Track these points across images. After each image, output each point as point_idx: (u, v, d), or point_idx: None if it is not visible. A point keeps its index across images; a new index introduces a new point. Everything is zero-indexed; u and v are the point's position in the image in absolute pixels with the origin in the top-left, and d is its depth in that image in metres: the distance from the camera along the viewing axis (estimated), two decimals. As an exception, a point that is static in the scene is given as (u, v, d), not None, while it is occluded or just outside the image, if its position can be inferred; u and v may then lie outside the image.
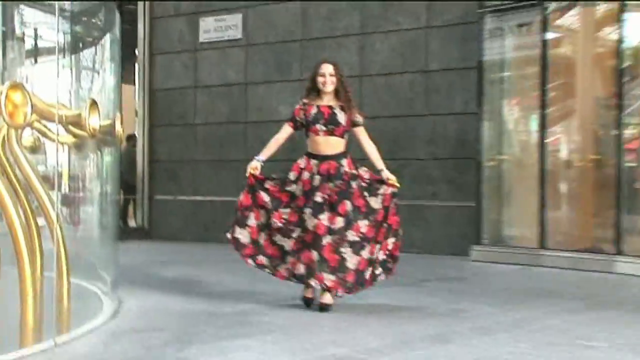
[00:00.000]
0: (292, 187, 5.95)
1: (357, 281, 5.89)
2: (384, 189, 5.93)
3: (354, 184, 5.87)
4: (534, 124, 10.04)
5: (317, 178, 5.85)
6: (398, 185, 5.96)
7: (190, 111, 12.91)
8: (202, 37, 12.78)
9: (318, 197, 5.80)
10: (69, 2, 5.48)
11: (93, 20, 6.58)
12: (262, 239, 6.00)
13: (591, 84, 9.92)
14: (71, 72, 6.09)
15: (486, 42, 10.17)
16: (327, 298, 5.85)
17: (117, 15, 6.31)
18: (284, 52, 12.05)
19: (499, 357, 4.57)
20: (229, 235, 6.03)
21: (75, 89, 6.20)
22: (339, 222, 5.77)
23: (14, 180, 5.09)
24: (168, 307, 6.24)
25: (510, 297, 7.11)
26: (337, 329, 5.31)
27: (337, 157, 5.91)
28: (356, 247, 5.81)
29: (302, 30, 11.92)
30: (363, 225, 5.84)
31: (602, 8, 9.76)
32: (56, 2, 4.76)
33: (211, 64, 12.74)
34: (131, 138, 13.69)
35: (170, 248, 11.81)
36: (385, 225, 5.96)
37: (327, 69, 5.96)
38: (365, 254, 5.86)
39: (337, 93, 5.98)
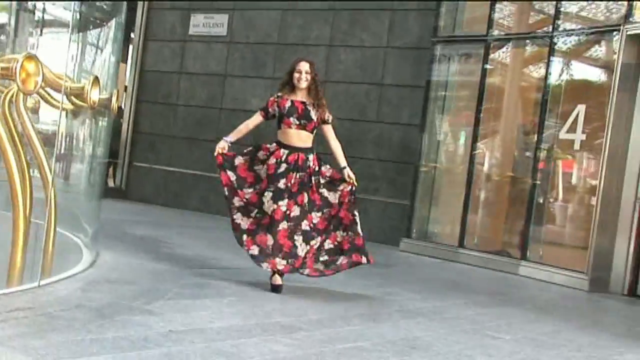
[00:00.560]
0: (259, 167, 5.61)
1: (308, 266, 5.55)
2: (343, 186, 5.65)
3: (314, 179, 5.58)
4: (465, 139, 10.12)
5: (284, 166, 5.52)
6: (356, 183, 5.69)
7: (174, 93, 12.74)
8: (192, 31, 12.62)
9: (281, 184, 5.48)
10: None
11: (103, 6, 6.42)
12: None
13: (514, 112, 10.02)
14: (78, 48, 5.92)
15: (435, 65, 10.21)
16: (279, 279, 5.49)
17: (125, 4, 6.18)
18: (261, 52, 11.95)
19: (422, 338, 4.59)
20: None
21: (80, 62, 6.03)
22: (296, 210, 5.47)
23: (16, 136, 4.95)
24: (139, 263, 6.14)
25: (431, 287, 7.17)
26: (284, 301, 5.25)
27: (305, 151, 5.59)
28: (307, 236, 5.49)
29: (279, 35, 11.84)
30: (316, 217, 5.56)
31: (530, 48, 9.86)
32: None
33: (197, 54, 12.60)
34: (119, 109, 13.47)
35: (143, 209, 11.66)
36: (336, 218, 5.65)
37: (304, 66, 5.62)
38: (314, 243, 5.52)
39: (309, 90, 5.65)
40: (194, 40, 12.63)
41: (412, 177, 10.23)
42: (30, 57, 4.14)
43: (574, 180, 9.24)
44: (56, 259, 5.07)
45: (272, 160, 5.56)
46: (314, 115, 5.61)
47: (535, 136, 9.08)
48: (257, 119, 5.77)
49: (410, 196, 10.20)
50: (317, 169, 5.62)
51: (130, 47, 13.28)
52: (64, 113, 5.54)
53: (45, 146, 5.18)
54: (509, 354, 4.51)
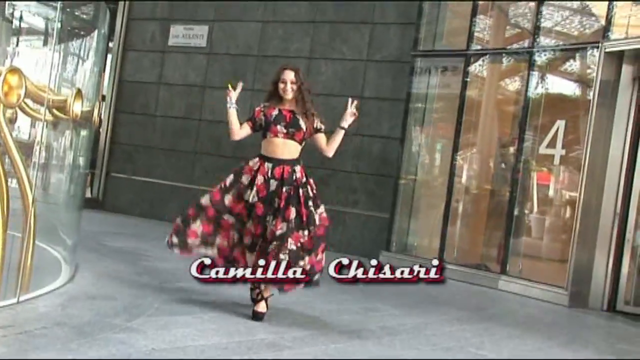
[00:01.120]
0: (247, 194, 5.17)
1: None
2: (321, 209, 5.25)
3: (301, 191, 5.13)
4: (444, 152, 10.11)
5: (274, 183, 5.13)
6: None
7: (153, 103, 12.62)
8: (171, 41, 12.50)
9: (276, 203, 5.11)
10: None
11: (84, 16, 6.34)
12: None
13: (493, 125, 10.05)
14: (59, 59, 5.82)
15: (415, 78, 10.21)
16: (262, 307, 5.13)
17: (108, 15, 6.09)
18: (241, 63, 11.87)
19: (407, 355, 4.55)
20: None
21: (60, 73, 5.92)
22: (283, 227, 5.03)
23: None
24: (118, 277, 6.05)
25: (411, 302, 7.10)
26: (268, 317, 5.12)
27: (291, 162, 5.20)
28: (292, 256, 4.96)
29: (259, 47, 11.79)
30: (303, 235, 5.06)
31: (510, 63, 9.91)
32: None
33: (176, 65, 12.49)
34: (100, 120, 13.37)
35: (120, 220, 11.53)
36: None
37: (289, 75, 5.23)
38: (303, 263, 5.02)
39: (297, 101, 5.27)
40: (174, 51, 12.51)
41: (392, 189, 10.20)
42: (14, 70, 4.07)
43: (553, 194, 9.28)
44: (35, 273, 4.97)
45: (260, 180, 5.16)
46: (302, 124, 5.24)
47: (515, 149, 9.11)
48: (245, 130, 5.35)
49: (389, 209, 10.18)
50: (304, 180, 5.22)
51: (109, 56, 13.13)
52: (44, 124, 5.44)
53: (24, 157, 5.09)
54: (494, 372, 4.49)
